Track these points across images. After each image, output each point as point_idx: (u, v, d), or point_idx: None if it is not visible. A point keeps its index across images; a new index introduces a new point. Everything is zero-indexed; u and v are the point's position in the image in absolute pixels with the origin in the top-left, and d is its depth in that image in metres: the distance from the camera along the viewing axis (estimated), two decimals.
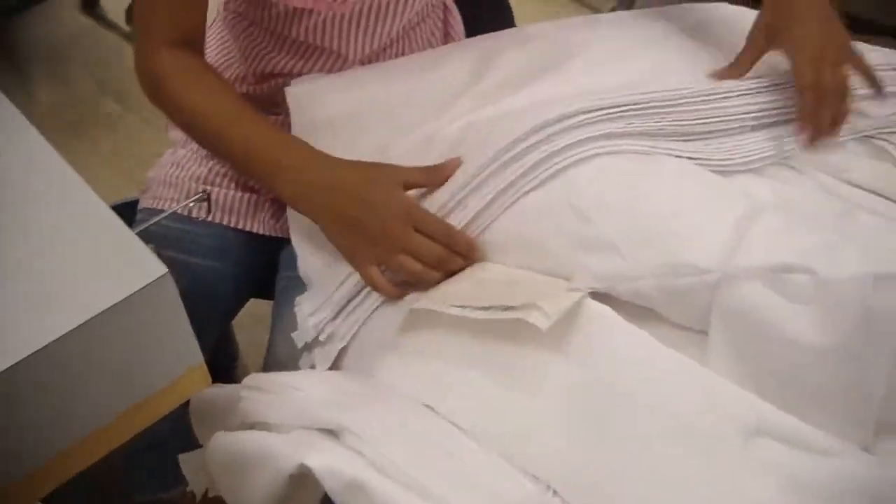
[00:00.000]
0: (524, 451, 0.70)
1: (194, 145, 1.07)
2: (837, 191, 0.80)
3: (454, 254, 0.80)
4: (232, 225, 1.04)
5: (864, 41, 0.89)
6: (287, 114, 0.99)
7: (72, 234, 0.69)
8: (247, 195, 1.04)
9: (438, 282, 0.81)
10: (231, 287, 1.05)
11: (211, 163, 1.06)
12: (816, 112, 0.82)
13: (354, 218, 0.82)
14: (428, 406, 0.73)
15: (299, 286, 1.00)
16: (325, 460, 0.65)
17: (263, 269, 1.08)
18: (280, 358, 0.94)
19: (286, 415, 0.71)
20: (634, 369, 0.70)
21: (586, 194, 0.78)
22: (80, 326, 0.62)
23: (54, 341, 0.61)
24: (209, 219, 1.02)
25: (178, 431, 0.94)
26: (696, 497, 0.64)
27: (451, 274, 0.82)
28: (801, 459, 0.64)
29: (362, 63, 1.01)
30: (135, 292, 0.64)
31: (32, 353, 0.60)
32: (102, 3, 2.67)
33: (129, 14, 2.51)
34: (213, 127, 0.89)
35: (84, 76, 2.40)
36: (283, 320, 0.98)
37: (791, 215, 0.73)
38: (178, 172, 1.06)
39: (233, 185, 1.05)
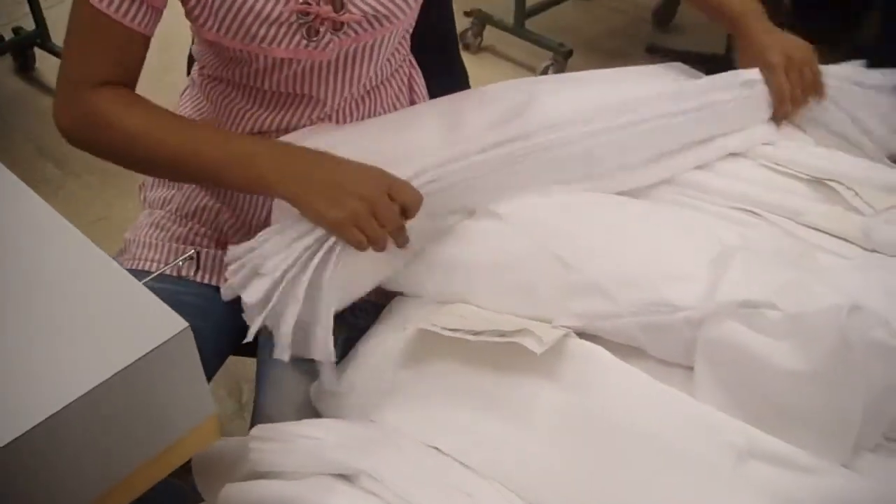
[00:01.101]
0: (525, 483, 0.73)
1: (173, 206, 1.09)
2: (795, 233, 0.87)
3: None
4: (214, 283, 1.06)
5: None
6: None
7: (87, 293, 0.71)
8: None
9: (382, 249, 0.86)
10: (213, 346, 1.06)
11: (191, 223, 1.08)
12: (786, 84, 1.02)
13: (334, 182, 0.86)
14: (434, 447, 0.76)
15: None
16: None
17: (243, 326, 1.09)
18: (270, 414, 0.96)
19: (300, 462, 0.74)
20: (626, 402, 0.75)
21: (569, 243, 0.84)
22: (103, 383, 0.63)
23: (77, 399, 0.62)
24: (196, 278, 1.04)
25: (164, 486, 0.94)
26: None
27: None
28: (789, 478, 0.69)
29: (339, 109, 1.05)
30: (157, 347, 0.66)
31: (56, 413, 0.61)
32: (38, 67, 2.66)
33: None
34: (169, 142, 0.89)
35: (22, 141, 2.38)
36: (268, 378, 1.00)
37: (761, 255, 0.80)
38: (157, 233, 1.07)
39: (213, 244, 1.07)
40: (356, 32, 0.96)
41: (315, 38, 0.94)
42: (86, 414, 0.63)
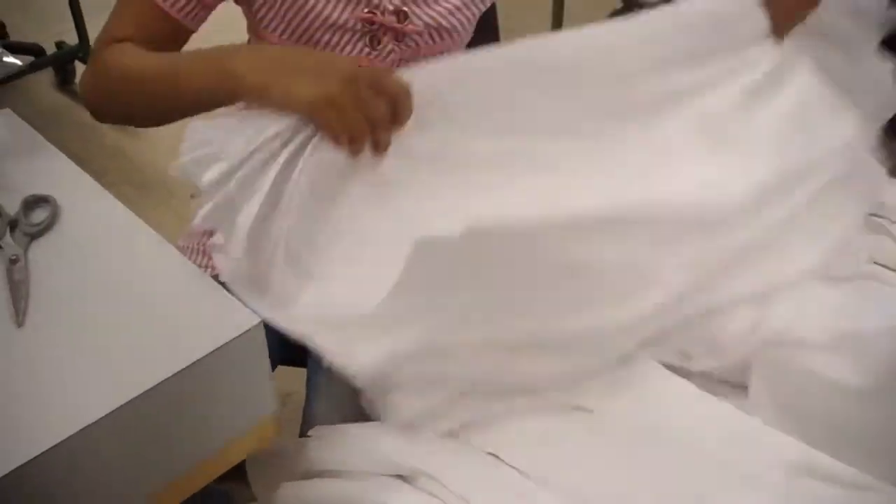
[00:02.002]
0: (581, 492, 0.74)
1: None
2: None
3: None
4: None
5: None
6: None
7: (162, 288, 0.73)
8: None
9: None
10: None
11: None
12: None
13: (310, 64, 0.78)
14: (492, 454, 0.77)
15: None
16: (407, 503, 0.69)
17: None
18: (319, 423, 0.97)
19: (359, 462, 0.75)
20: (683, 416, 0.76)
21: None
22: (175, 374, 0.65)
23: (149, 389, 0.64)
24: None
25: (211, 491, 0.95)
26: None
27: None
28: (840, 495, 0.70)
29: None
30: (231, 340, 0.68)
31: (124, 404, 0.63)
32: (78, 81, 2.71)
33: None
34: (151, 64, 0.86)
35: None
36: (318, 388, 1.01)
37: (814, 279, 0.82)
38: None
39: None
40: (417, 45, 0.99)
41: (377, 48, 0.97)
42: (156, 404, 0.65)
